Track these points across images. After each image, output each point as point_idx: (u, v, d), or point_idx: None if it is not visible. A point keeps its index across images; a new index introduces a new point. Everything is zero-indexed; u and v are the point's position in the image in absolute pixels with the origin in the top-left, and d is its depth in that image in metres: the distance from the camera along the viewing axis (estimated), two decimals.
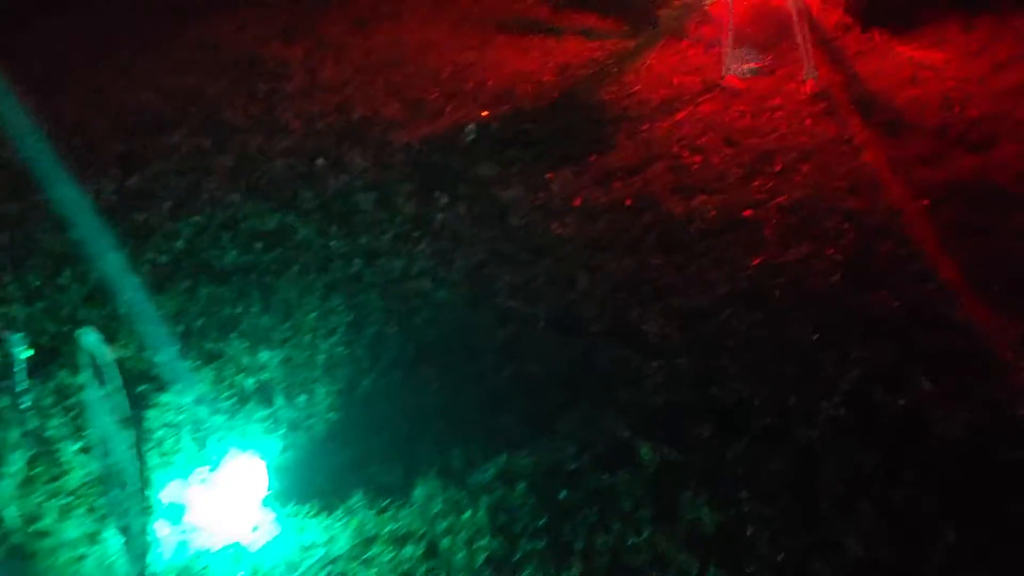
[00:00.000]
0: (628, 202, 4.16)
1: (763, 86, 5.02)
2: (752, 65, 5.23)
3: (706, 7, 5.55)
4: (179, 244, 4.38)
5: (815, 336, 3.27)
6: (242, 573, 2.69)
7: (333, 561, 2.73)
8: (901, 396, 2.96)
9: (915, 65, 5.17)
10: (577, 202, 4.21)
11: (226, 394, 3.44)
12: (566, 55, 5.77)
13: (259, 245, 4.28)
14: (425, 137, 4.81)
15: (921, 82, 4.97)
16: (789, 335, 3.31)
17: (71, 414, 3.36)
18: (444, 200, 4.37)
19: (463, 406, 3.21)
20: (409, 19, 6.59)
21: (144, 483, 2.97)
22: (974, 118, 4.55)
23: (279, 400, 3.38)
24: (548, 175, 4.43)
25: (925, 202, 3.92)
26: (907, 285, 3.47)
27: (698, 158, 4.33)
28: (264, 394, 3.41)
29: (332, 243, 4.23)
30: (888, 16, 5.67)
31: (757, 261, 3.72)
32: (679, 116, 4.77)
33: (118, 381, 2.88)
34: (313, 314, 3.78)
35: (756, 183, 4.13)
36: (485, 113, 4.91)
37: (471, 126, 4.74)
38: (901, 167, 4.14)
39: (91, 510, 2.99)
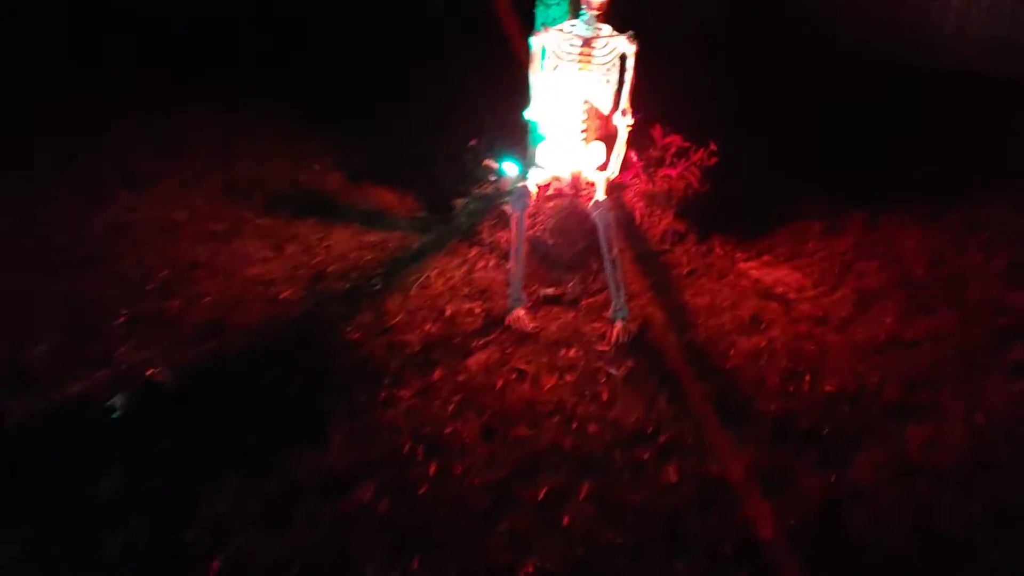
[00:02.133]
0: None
1: (558, 327, 3.69)
2: (549, 292, 3.91)
3: (500, 206, 4.24)
4: None
5: None
6: None
7: None
8: None
9: (762, 293, 3.95)
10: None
11: None
12: (329, 255, 4.38)
13: None
14: (46, 406, 3.23)
15: (767, 324, 3.72)
16: None
17: None
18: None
19: None
20: (166, 182, 5.16)
21: None
22: (828, 396, 3.27)
23: None
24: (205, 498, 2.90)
25: None
26: None
27: (433, 467, 2.89)
28: None
29: None
30: (732, 219, 4.49)
31: None
32: (435, 376, 3.35)
33: None
34: None
35: (501, 531, 2.69)
36: (153, 372, 3.39)
37: (118, 398, 3.21)
38: (722, 503, 2.79)
39: None
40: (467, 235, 4.40)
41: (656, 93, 4.65)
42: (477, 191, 4.58)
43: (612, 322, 3.65)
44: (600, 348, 3.57)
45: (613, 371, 3.39)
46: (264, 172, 5.52)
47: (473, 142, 4.84)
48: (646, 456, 2.95)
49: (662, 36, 6.51)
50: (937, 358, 3.54)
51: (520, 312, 3.71)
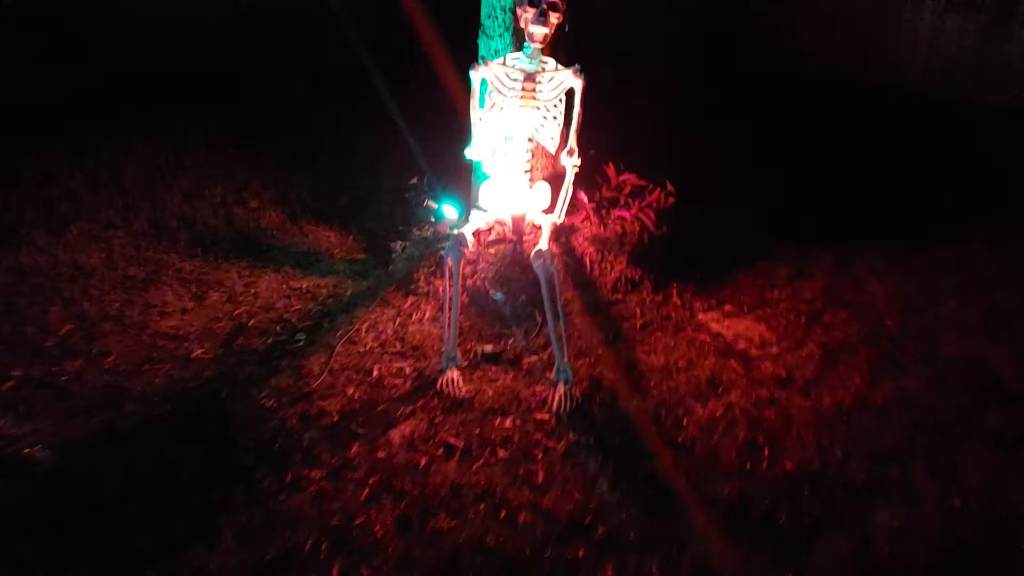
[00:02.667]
0: None
1: (495, 391, 3.34)
2: (488, 349, 3.56)
3: (438, 252, 3.89)
4: None
5: None
6: None
7: None
8: None
9: (722, 350, 3.62)
10: None
11: None
12: (254, 305, 4.01)
13: None
14: None
15: (726, 387, 3.39)
16: None
17: None
18: None
19: None
20: (87, 220, 4.79)
21: None
22: (788, 475, 2.94)
23: None
24: None
25: None
26: None
27: (336, 568, 2.52)
28: None
29: None
30: (691, 265, 4.17)
31: None
32: (352, 452, 2.99)
33: None
34: None
35: None
36: (31, 451, 3.00)
37: None
38: None
39: None
40: (403, 283, 4.05)
41: (609, 127, 4.35)
42: (417, 233, 4.23)
43: (554, 385, 3.30)
44: (539, 417, 3.21)
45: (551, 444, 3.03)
46: (196, 208, 5.14)
47: (414, 180, 4.48)
48: (581, 554, 2.59)
49: (618, 66, 6.26)
50: (908, 427, 3.22)
51: (453, 374, 3.36)
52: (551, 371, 3.40)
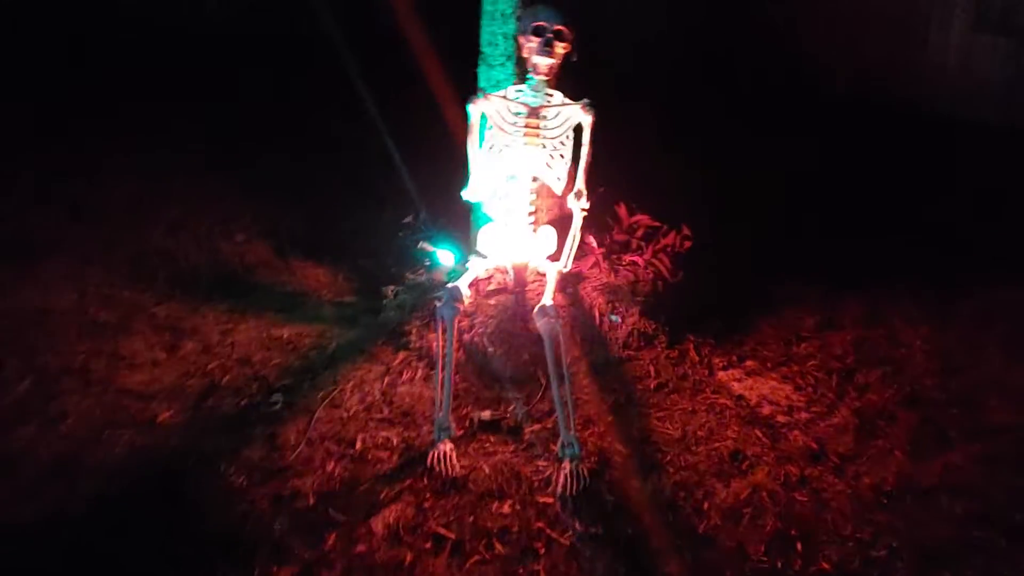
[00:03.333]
0: None
1: (492, 468, 2.98)
2: (486, 415, 3.20)
3: (433, 302, 3.52)
4: None
5: None
6: None
7: None
8: None
9: (745, 417, 3.25)
10: None
11: None
12: (230, 358, 3.68)
13: None
14: None
15: (751, 463, 3.03)
16: None
17: None
18: None
19: None
20: (63, 255, 4.48)
21: None
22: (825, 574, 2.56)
23: None
24: None
25: None
26: None
27: None
28: None
29: None
30: (709, 315, 3.81)
31: None
32: (327, 545, 2.62)
33: None
34: None
35: None
36: None
37: None
38: None
39: None
40: (394, 335, 3.70)
41: (617, 159, 3.99)
42: (411, 277, 3.88)
43: (559, 461, 2.93)
44: (542, 500, 2.84)
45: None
46: (179, 242, 4.81)
47: (409, 218, 4.13)
48: None
49: (628, 96, 5.92)
50: (958, 515, 2.83)
51: (446, 447, 2.99)
52: (555, 443, 3.03)
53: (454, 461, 2.98)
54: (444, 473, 2.95)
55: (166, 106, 6.77)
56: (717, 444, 3.17)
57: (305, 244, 4.81)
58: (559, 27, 3.30)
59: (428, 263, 3.75)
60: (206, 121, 6.46)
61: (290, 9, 7.48)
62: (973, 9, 6.82)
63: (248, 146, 6.08)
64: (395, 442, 3.13)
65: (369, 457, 3.06)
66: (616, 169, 4.06)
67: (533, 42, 3.29)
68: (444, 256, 3.66)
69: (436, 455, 2.99)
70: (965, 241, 4.93)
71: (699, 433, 3.22)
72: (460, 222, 4.05)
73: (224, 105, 6.77)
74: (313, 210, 5.21)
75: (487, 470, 3.00)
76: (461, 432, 3.15)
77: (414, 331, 3.63)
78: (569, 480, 2.88)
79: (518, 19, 3.47)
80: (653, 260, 3.77)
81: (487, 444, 3.13)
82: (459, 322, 3.31)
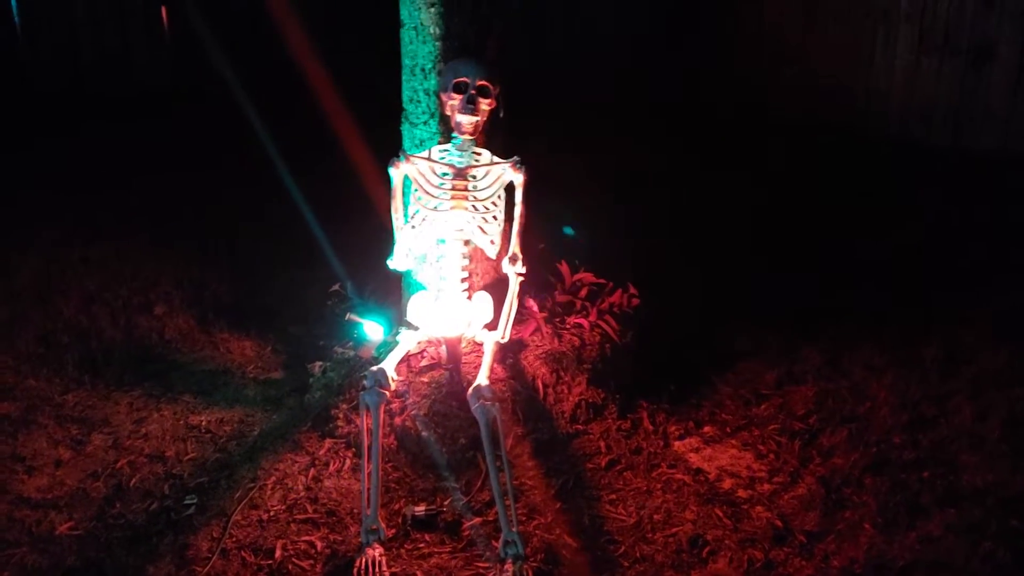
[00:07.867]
0: None
1: (427, 572, 2.66)
2: (419, 511, 2.89)
3: (361, 381, 3.21)
4: None
5: None
6: None
7: None
8: None
9: (704, 494, 2.99)
10: None
11: None
12: (142, 453, 3.34)
13: None
14: None
15: (712, 550, 2.76)
16: None
17: None
18: None
19: None
20: None
21: None
22: None
23: None
24: None
25: None
26: None
27: None
28: None
29: None
30: (662, 378, 3.56)
31: None
32: None
33: None
34: None
35: None
36: None
37: None
38: None
39: None
40: (320, 420, 3.38)
41: (560, 215, 3.76)
42: (340, 351, 3.57)
43: (501, 563, 2.62)
44: None
45: None
46: (94, 317, 4.46)
47: (336, 287, 3.83)
48: None
49: (554, 126, 5.71)
50: None
51: (375, 552, 2.68)
52: (498, 539, 2.72)
53: (383, 569, 2.67)
54: None
55: (87, 164, 6.42)
56: (675, 529, 2.90)
57: (231, 311, 4.49)
58: (482, 82, 3.07)
59: (355, 337, 3.44)
60: (131, 187, 6.14)
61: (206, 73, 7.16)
62: (917, 31, 6.74)
63: (169, 208, 5.75)
64: (319, 547, 2.81)
65: (289, 569, 2.73)
66: (557, 223, 3.83)
67: (455, 99, 3.06)
68: (372, 329, 3.37)
69: (364, 562, 2.68)
70: (927, 273, 4.76)
71: (655, 517, 2.95)
72: (393, 288, 3.76)
73: (148, 169, 6.45)
74: (242, 270, 4.89)
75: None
76: (392, 532, 2.84)
77: (341, 415, 3.32)
78: None
79: (439, 74, 3.22)
80: (599, 322, 3.51)
81: (421, 544, 2.83)
82: (386, 407, 3.00)
